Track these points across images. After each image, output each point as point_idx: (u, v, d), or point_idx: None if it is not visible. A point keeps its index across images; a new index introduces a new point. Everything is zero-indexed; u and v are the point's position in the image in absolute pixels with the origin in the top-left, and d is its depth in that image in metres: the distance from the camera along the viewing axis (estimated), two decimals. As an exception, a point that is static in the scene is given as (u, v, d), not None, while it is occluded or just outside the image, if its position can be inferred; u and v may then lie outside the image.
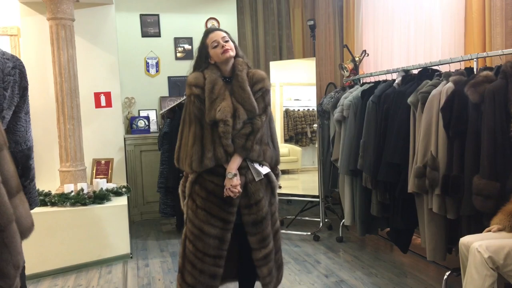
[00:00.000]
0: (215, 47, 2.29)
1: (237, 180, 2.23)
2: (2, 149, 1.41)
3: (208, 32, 2.37)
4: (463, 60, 2.92)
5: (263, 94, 2.32)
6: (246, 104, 2.24)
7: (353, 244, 4.09)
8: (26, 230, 1.47)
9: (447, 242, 2.94)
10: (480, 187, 2.39)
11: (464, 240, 2.21)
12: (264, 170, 2.33)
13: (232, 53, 2.30)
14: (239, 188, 2.22)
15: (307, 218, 4.76)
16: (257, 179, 2.29)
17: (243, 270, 2.50)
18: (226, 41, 2.30)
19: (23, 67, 1.72)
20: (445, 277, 2.83)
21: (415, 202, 3.04)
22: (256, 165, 2.31)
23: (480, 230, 2.35)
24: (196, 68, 2.37)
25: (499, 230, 2.21)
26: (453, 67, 3.03)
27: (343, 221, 4.07)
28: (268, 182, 2.37)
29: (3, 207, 1.33)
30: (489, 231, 2.24)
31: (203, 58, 2.33)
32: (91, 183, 4.35)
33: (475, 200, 2.42)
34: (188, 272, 2.32)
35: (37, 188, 1.95)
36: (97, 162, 4.65)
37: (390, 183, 3.20)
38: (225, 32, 2.38)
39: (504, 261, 2.00)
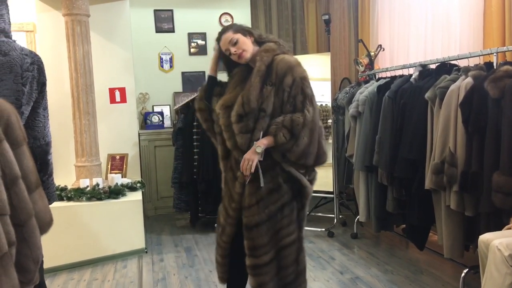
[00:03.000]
0: (229, 54, 2.19)
1: (258, 157, 2.08)
2: (22, 145, 1.42)
3: (218, 40, 2.24)
4: (482, 55, 2.87)
5: (297, 88, 2.07)
6: (244, 96, 2.08)
7: (368, 240, 4.06)
8: (45, 225, 1.48)
9: (464, 240, 2.90)
10: (500, 184, 2.34)
11: (484, 237, 2.17)
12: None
13: (246, 54, 2.16)
14: (251, 168, 2.08)
15: (320, 214, 4.74)
16: (262, 184, 2.11)
17: (233, 268, 2.35)
18: (235, 44, 2.16)
19: (41, 63, 1.72)
20: (463, 274, 2.80)
21: (432, 198, 3.00)
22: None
23: (499, 228, 2.31)
24: (228, 69, 2.32)
25: (520, 228, 2.17)
26: (472, 62, 2.97)
27: (357, 217, 4.04)
28: (274, 193, 2.15)
29: (23, 202, 1.34)
30: (509, 228, 2.20)
31: (230, 61, 2.26)
32: (106, 178, 4.38)
33: (494, 197, 2.37)
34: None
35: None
36: (112, 157, 4.67)
37: (406, 180, 3.17)
38: (232, 29, 2.21)
39: (525, 260, 1.97)
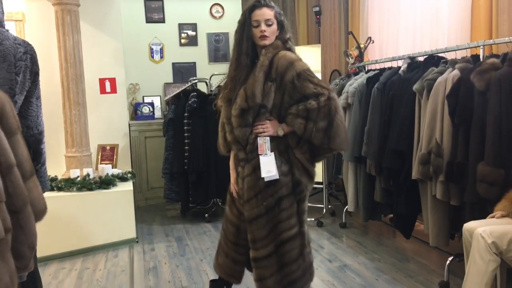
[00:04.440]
0: (256, 26, 2.12)
1: (273, 133, 2.10)
2: (16, 134, 1.44)
3: (254, 7, 2.13)
4: (469, 48, 2.92)
5: (300, 80, 2.06)
6: (248, 90, 2.08)
7: (356, 230, 4.13)
8: (39, 213, 1.50)
9: (450, 228, 2.97)
10: (484, 174, 2.40)
11: (468, 225, 2.24)
12: (272, 172, 2.08)
13: (268, 42, 2.13)
14: (263, 133, 2.10)
15: (310, 204, 4.76)
16: (263, 175, 2.08)
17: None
18: (269, 25, 2.12)
19: (34, 52, 1.73)
20: (448, 262, 2.87)
21: (419, 188, 3.07)
22: (271, 162, 2.09)
23: (483, 216, 2.37)
24: (239, 45, 2.16)
25: (503, 216, 2.23)
26: (459, 55, 3.02)
27: (346, 207, 4.10)
28: (271, 185, 2.12)
29: (18, 189, 1.36)
30: (493, 217, 2.27)
31: (246, 36, 2.13)
32: (96, 168, 4.39)
33: (479, 187, 2.44)
34: (219, 252, 2.43)
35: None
36: (102, 148, 4.68)
37: (394, 170, 3.22)
38: (273, 8, 2.15)
39: (507, 247, 2.04)
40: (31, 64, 1.71)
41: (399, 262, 3.31)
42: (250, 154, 2.15)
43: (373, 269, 3.20)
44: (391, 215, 3.95)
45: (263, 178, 2.09)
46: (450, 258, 2.89)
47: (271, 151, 2.10)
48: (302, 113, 2.06)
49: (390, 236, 3.95)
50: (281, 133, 2.12)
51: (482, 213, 2.47)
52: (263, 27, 2.12)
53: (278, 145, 2.13)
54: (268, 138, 2.11)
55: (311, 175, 2.20)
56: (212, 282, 2.55)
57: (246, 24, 2.14)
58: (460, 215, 2.84)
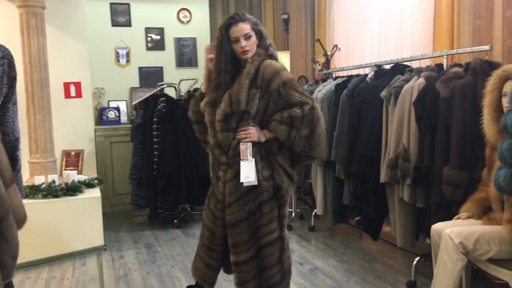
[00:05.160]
0: (236, 42, 2.15)
1: (256, 139, 2.14)
2: (-4, 140, 1.41)
3: (229, 24, 2.16)
4: (433, 57, 3.06)
5: (286, 89, 2.12)
6: (233, 96, 2.12)
7: (324, 233, 4.21)
8: (20, 221, 1.48)
9: (415, 230, 3.09)
10: (449, 177, 2.53)
11: (436, 226, 2.35)
12: (251, 178, 2.10)
13: (250, 54, 2.16)
14: (245, 138, 2.13)
15: (278, 209, 4.84)
16: (242, 180, 2.10)
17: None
18: (249, 38, 2.15)
19: (12, 57, 1.70)
20: (415, 262, 2.98)
21: (386, 191, 3.17)
22: (250, 168, 2.11)
23: (448, 218, 2.49)
24: (218, 63, 2.18)
25: (468, 217, 2.36)
26: (423, 63, 3.17)
27: (315, 210, 4.18)
28: (253, 190, 2.15)
29: (1, 197, 1.33)
30: (459, 218, 2.38)
31: (224, 53, 2.15)
32: (61, 175, 4.28)
33: (445, 189, 2.56)
34: (196, 255, 2.45)
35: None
36: (66, 154, 4.56)
37: (362, 174, 3.32)
38: (248, 21, 2.17)
39: (473, 246, 2.15)
40: (9, 69, 1.67)
41: (367, 263, 3.41)
42: (232, 159, 2.17)
43: (343, 271, 3.28)
44: (358, 218, 4.07)
45: (250, 186, 2.12)
46: (416, 259, 3.01)
47: (252, 157, 2.13)
48: (286, 120, 2.11)
49: (357, 238, 4.06)
50: (262, 139, 2.16)
51: (447, 215, 2.60)
52: (243, 43, 2.15)
53: (260, 151, 2.17)
54: (250, 143, 2.14)
55: (292, 180, 2.25)
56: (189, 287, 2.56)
57: (223, 41, 2.16)
58: (425, 217, 2.96)
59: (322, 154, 2.20)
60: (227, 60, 2.17)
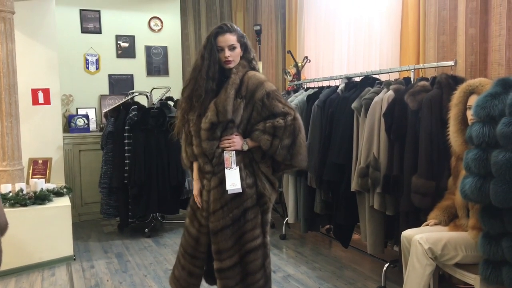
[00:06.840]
0: (220, 51, 2.21)
1: (239, 147, 2.18)
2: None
3: (217, 33, 2.22)
4: (401, 71, 3.21)
5: (270, 99, 2.19)
6: (219, 105, 2.16)
7: (295, 241, 4.28)
8: (3, 228, 1.46)
9: (385, 237, 3.20)
10: (418, 186, 2.65)
11: (406, 233, 2.45)
12: (237, 185, 2.15)
13: (232, 65, 2.23)
14: (229, 147, 2.18)
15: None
16: (228, 188, 2.14)
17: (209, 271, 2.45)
18: (233, 48, 2.22)
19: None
20: (384, 268, 3.09)
21: (357, 200, 3.27)
22: (236, 176, 2.15)
23: (417, 225, 2.60)
24: (206, 72, 2.20)
25: (436, 224, 2.47)
26: (392, 76, 3.30)
27: (286, 219, 4.25)
28: (237, 197, 2.19)
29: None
30: (427, 225, 2.50)
31: (213, 60, 2.20)
32: (28, 183, 4.18)
33: (413, 197, 2.67)
34: (176, 266, 2.42)
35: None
36: (34, 162, 4.47)
37: (333, 183, 3.41)
38: (235, 33, 2.25)
39: (441, 252, 2.26)
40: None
41: (338, 270, 3.49)
42: (216, 167, 2.21)
43: (315, 278, 3.35)
44: (328, 226, 4.17)
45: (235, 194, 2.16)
46: (386, 265, 3.11)
47: (236, 165, 2.17)
48: (269, 130, 2.18)
49: (326, 245, 4.14)
50: (245, 147, 2.21)
51: (415, 222, 2.71)
52: (227, 52, 2.21)
53: (244, 159, 2.22)
54: (234, 152, 2.18)
55: (274, 187, 2.30)
56: None
57: (212, 49, 2.21)
58: (394, 224, 3.08)
59: (303, 163, 2.27)
60: (215, 68, 2.22)
